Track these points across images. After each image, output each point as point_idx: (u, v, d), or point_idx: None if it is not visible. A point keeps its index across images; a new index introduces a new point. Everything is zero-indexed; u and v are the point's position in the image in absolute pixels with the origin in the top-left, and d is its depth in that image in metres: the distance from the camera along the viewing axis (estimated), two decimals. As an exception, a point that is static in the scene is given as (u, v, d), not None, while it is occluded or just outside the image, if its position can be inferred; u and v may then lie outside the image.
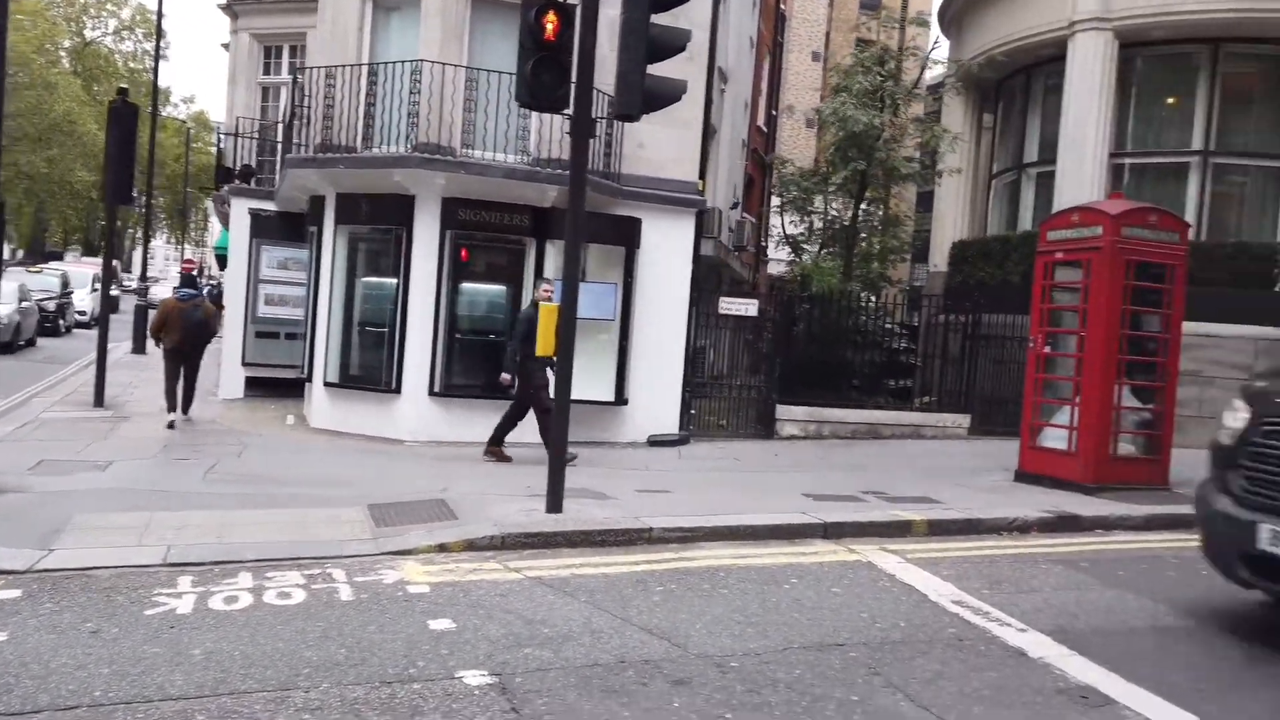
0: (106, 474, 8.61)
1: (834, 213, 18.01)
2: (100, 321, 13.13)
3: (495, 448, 10.55)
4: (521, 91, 7.20)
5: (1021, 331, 11.81)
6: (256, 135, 16.28)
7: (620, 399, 12.18)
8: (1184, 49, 14.35)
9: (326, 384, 12.15)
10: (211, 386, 15.31)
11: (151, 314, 16.34)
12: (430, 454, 10.94)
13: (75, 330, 27.87)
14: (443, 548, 6.40)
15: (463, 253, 11.88)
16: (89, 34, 56.46)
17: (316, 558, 6.07)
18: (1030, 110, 16.13)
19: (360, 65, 11.49)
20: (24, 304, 21.00)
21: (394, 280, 11.84)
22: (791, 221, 17.97)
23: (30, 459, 9.04)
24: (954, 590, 5.98)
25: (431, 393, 11.65)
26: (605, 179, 12.00)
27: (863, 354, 13.58)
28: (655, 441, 12.27)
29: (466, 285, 12.04)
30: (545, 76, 7.05)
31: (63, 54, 54.07)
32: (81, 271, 31.29)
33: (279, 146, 15.68)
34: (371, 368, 12.09)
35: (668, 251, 12.61)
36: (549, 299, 10.11)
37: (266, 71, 17.20)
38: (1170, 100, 14.75)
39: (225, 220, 19.08)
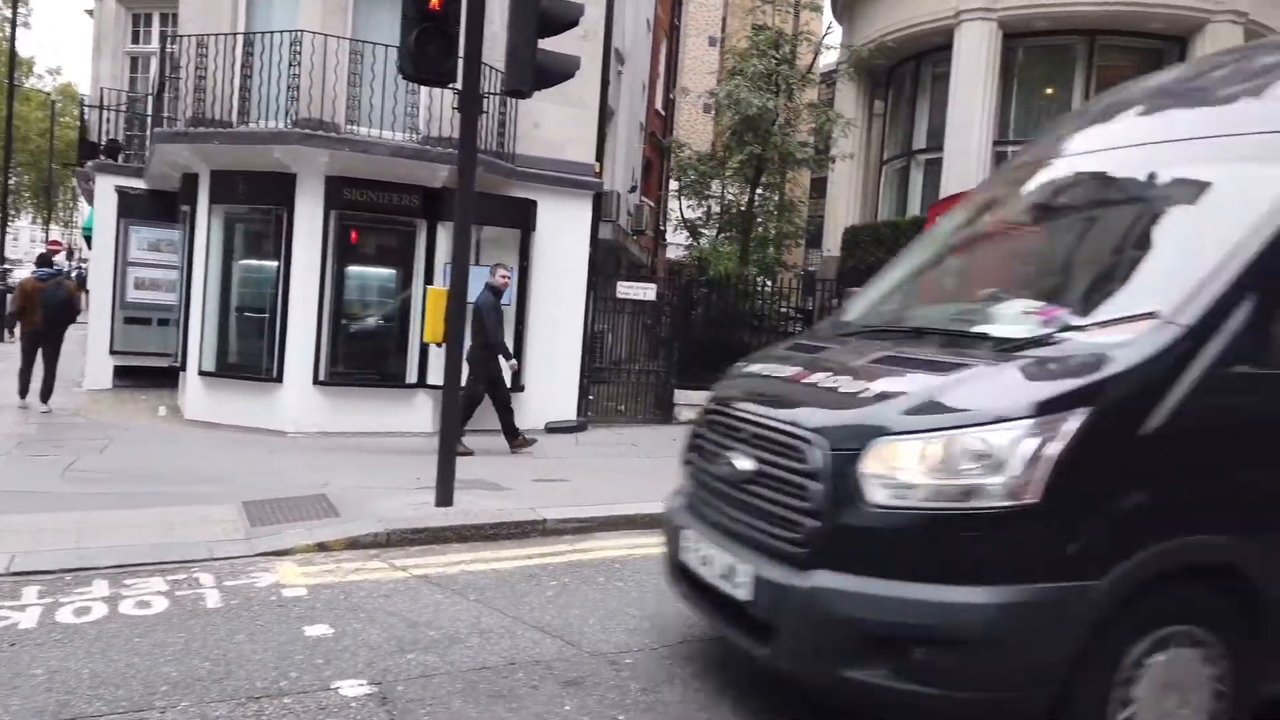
0: (-52, 474, 7.88)
1: (730, 197, 18.03)
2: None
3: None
4: (405, 63, 6.80)
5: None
6: (124, 108, 15.23)
7: (516, 385, 11.87)
8: (1063, 40, 14.84)
9: (202, 373, 11.45)
10: (76, 377, 14.32)
11: (9, 297, 15.36)
12: (314, 445, 10.42)
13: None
14: (322, 547, 6.03)
15: (351, 235, 11.34)
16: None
17: (182, 561, 5.62)
18: (919, 97, 16.45)
19: (236, 34, 10.79)
20: None
21: (274, 263, 11.22)
22: (689, 205, 17.90)
23: None
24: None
25: (316, 381, 11.11)
26: (499, 159, 11.64)
27: (759, 338, 13.60)
28: (553, 428, 12.02)
29: (353, 269, 11.50)
30: (430, 48, 6.67)
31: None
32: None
33: (148, 120, 14.71)
34: (251, 355, 11.45)
35: (565, 235, 12.34)
36: (506, 284, 10.05)
37: (135, 40, 16.11)
38: (1049, 90, 15.24)
39: (91, 199, 17.86)
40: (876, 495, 3.14)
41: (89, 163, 14.51)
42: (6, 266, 21.96)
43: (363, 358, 11.61)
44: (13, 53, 21.83)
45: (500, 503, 7.26)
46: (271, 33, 10.62)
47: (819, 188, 22.06)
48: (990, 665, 3.01)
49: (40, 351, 11.57)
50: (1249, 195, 3.30)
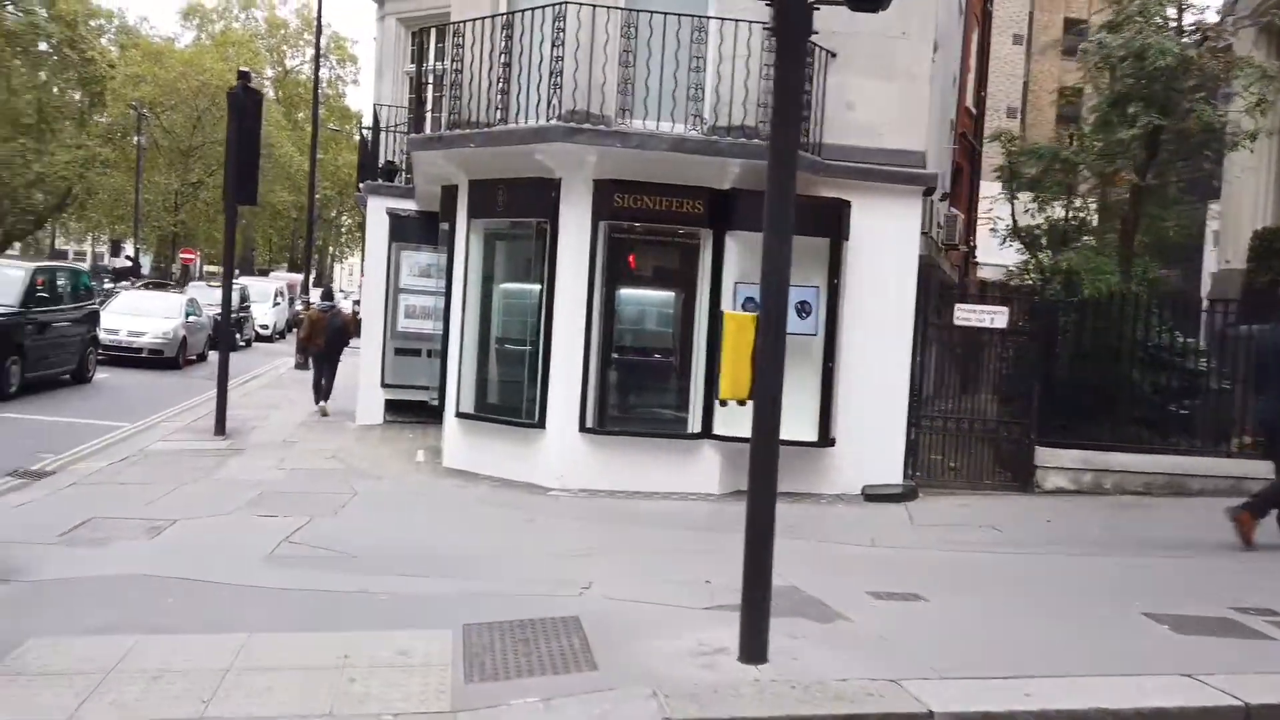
0: (151, 545, 6.34)
1: (1078, 202, 14.14)
2: (221, 346, 11.27)
3: (1247, 515, 7.24)
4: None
5: None
6: (402, 128, 14.20)
7: (825, 439, 9.03)
8: None
9: (459, 414, 9.66)
10: (348, 411, 13.33)
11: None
12: (580, 510, 8.22)
13: (255, 345, 27.35)
14: (560, 747, 3.55)
15: (623, 250, 9.11)
16: (289, 63, 58.49)
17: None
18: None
19: (495, 17, 8.93)
20: (192, 319, 20.07)
21: (536, 287, 9.23)
22: (1028, 210, 14.19)
23: (81, 513, 6.93)
24: None
25: (583, 428, 8.92)
26: (802, 150, 8.92)
27: (1152, 376, 9.80)
28: (873, 495, 9.05)
29: (625, 291, 9.25)
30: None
31: (266, 82, 56.06)
32: (264, 286, 31.07)
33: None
34: (512, 395, 9.52)
35: (884, 243, 9.36)
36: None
37: (413, 60, 15.13)
38: None
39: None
40: None
41: (361, 185, 13.55)
42: (309, 300, 22.34)
43: (636, 400, 9.33)
44: (315, 96, 22.22)
45: (839, 657, 4.46)
46: (532, 9, 8.63)
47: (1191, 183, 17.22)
48: None
49: (323, 366, 13.75)
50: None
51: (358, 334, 14.19)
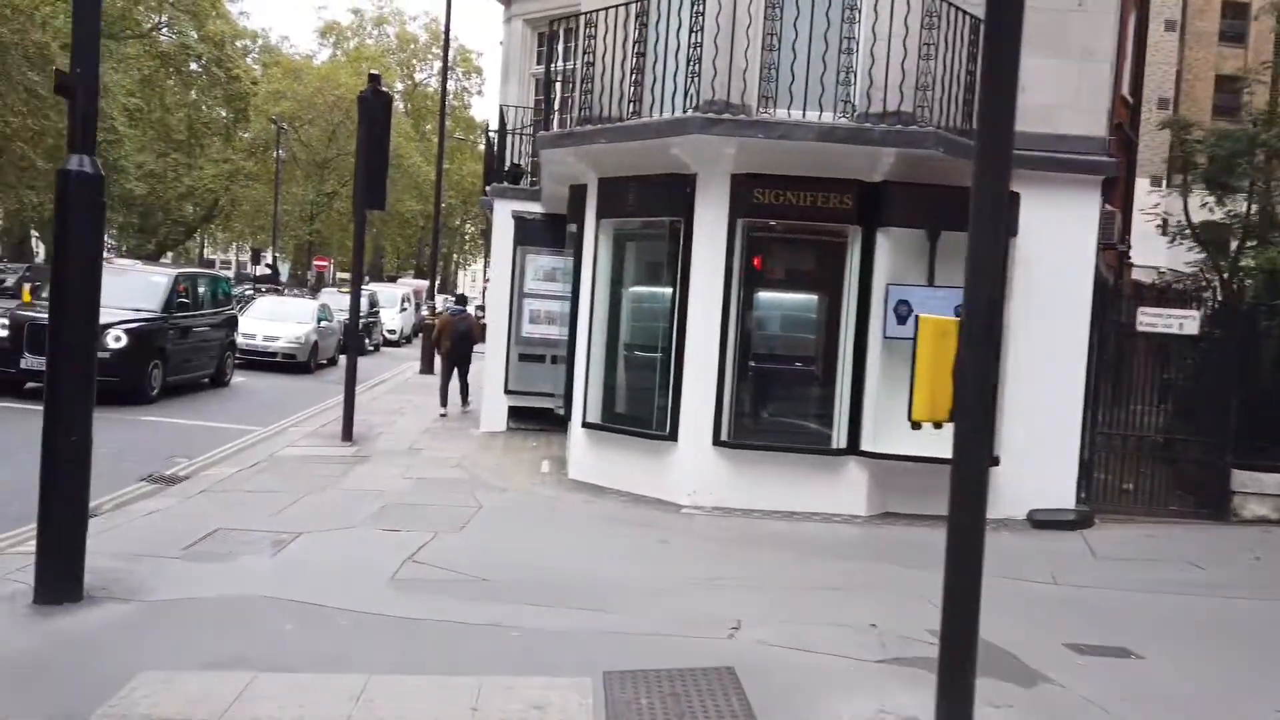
0: (274, 561, 6.02)
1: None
2: (349, 353, 11.12)
3: None
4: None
5: None
6: (528, 130, 13.89)
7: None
8: None
9: (586, 424, 9.16)
10: (472, 418, 13.08)
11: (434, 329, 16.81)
12: (715, 530, 7.56)
13: (383, 349, 27.86)
14: None
15: (762, 250, 8.41)
16: (417, 76, 60.15)
17: None
18: None
19: (629, 4, 8.38)
20: (324, 324, 20.44)
21: (668, 289, 8.63)
22: (1205, 205, 12.73)
23: (207, 524, 6.72)
24: None
25: (717, 441, 8.27)
26: (961, 135, 8.04)
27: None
28: (1041, 521, 8.06)
29: (764, 294, 8.55)
30: None
31: (396, 96, 57.78)
32: (391, 292, 31.70)
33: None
34: (642, 405, 8.94)
35: (1057, 240, 8.38)
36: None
37: (539, 61, 14.84)
38: None
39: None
40: None
41: (487, 188, 13.29)
42: (433, 304, 22.51)
43: (775, 412, 8.61)
44: (443, 102, 22.37)
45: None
46: (669, -8, 8.05)
47: None
48: None
49: (455, 370, 14.18)
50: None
51: (482, 339, 14.18)
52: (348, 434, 10.98)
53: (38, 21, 33.84)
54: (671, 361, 8.49)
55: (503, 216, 12.59)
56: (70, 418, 4.85)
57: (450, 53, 57.26)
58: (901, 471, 8.31)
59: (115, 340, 12.33)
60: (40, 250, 49.86)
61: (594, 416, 9.15)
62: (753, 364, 8.39)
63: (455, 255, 76.78)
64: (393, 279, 57.59)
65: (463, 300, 16.39)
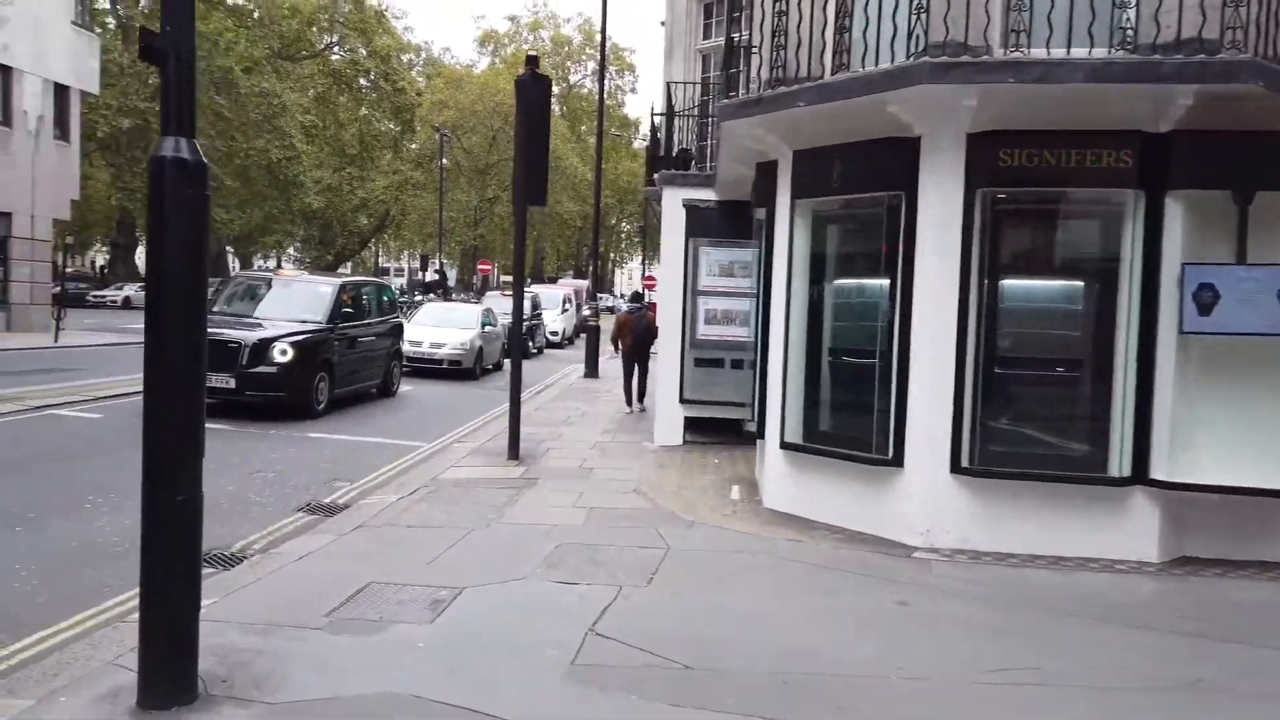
0: (432, 629, 4.87)
1: None
2: (513, 366, 10.07)
3: None
4: None
5: None
6: (695, 111, 12.51)
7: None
8: None
9: (785, 445, 7.66)
10: (644, 429, 11.85)
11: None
12: (965, 584, 5.90)
13: (546, 351, 27.29)
14: None
15: (1008, 227, 6.66)
16: (572, 78, 60.13)
17: None
18: None
19: (828, -65, 6.80)
20: (488, 328, 19.86)
21: (884, 281, 7.00)
22: None
23: (360, 576, 5.69)
24: None
25: (957, 468, 6.58)
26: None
27: None
28: None
29: (1012, 282, 6.77)
30: None
31: (552, 99, 58.02)
32: (553, 293, 31.19)
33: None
34: (854, 423, 7.36)
35: None
36: None
37: (707, 35, 13.42)
38: None
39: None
40: None
41: (655, 175, 11.98)
42: (595, 304, 21.58)
43: (1029, 431, 6.81)
44: (601, 100, 21.37)
45: None
46: (886, -88, 6.41)
47: None
48: None
49: (635, 366, 14.32)
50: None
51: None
52: (514, 451, 9.95)
53: (221, 47, 35.53)
54: (892, 369, 6.87)
55: (672, 206, 11.25)
56: (174, 472, 3.81)
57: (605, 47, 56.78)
58: (1206, 506, 6.38)
59: (281, 354, 11.85)
60: (235, 264, 53.03)
61: (794, 435, 7.63)
62: (1000, 371, 6.64)
63: (612, 254, 76.75)
64: (553, 279, 57.88)
65: (638, 297, 16.51)
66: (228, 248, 54.45)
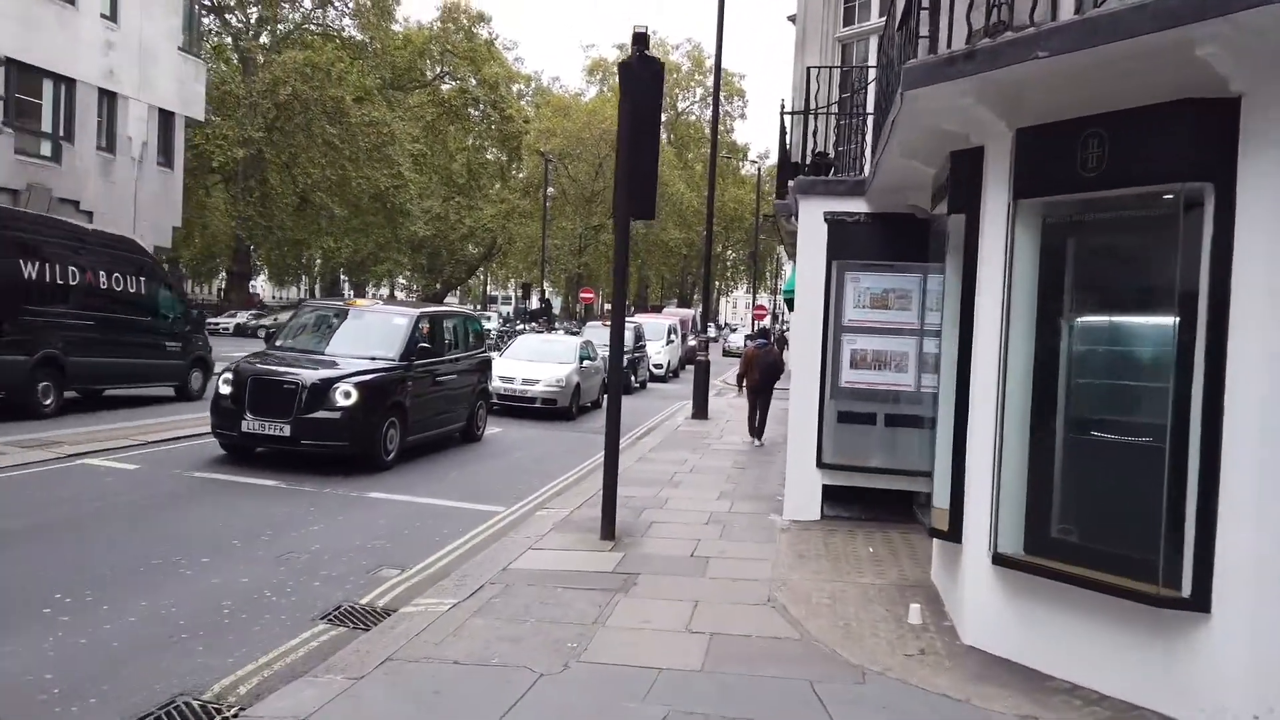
0: None
1: None
2: (610, 407, 7.90)
3: None
4: None
5: None
6: (834, 108, 10.16)
7: None
8: None
9: (999, 558, 5.14)
10: (769, 497, 9.48)
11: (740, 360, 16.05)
12: None
13: (650, 386, 25.13)
14: None
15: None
16: (679, 105, 58.45)
17: None
18: None
19: None
20: (586, 363, 17.81)
21: (1166, 320, 4.46)
22: None
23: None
24: None
25: (1315, 623, 3.97)
26: None
27: None
28: None
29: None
30: None
31: (663, 87, 56.34)
32: (657, 323, 29.07)
33: (867, 120, 9.35)
34: (1113, 531, 4.80)
35: None
36: None
37: (849, 21, 11.08)
38: None
39: (792, 248, 13.40)
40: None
41: (789, 183, 9.63)
42: (707, 336, 19.31)
43: None
44: (715, 117, 19.18)
45: None
46: None
47: None
48: None
49: (757, 402, 13.89)
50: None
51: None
52: (608, 529, 7.73)
53: (333, 76, 35.15)
54: (1189, 456, 4.31)
55: (810, 221, 8.88)
56: None
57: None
58: None
59: (345, 397, 9.98)
60: (349, 293, 53.08)
61: (1012, 544, 5.12)
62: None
63: (717, 283, 74.58)
64: (657, 309, 55.90)
65: (765, 333, 16.43)
66: (343, 275, 54.70)
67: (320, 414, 9.86)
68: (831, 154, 10.00)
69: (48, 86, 19.56)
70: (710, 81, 58.18)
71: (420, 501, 9.12)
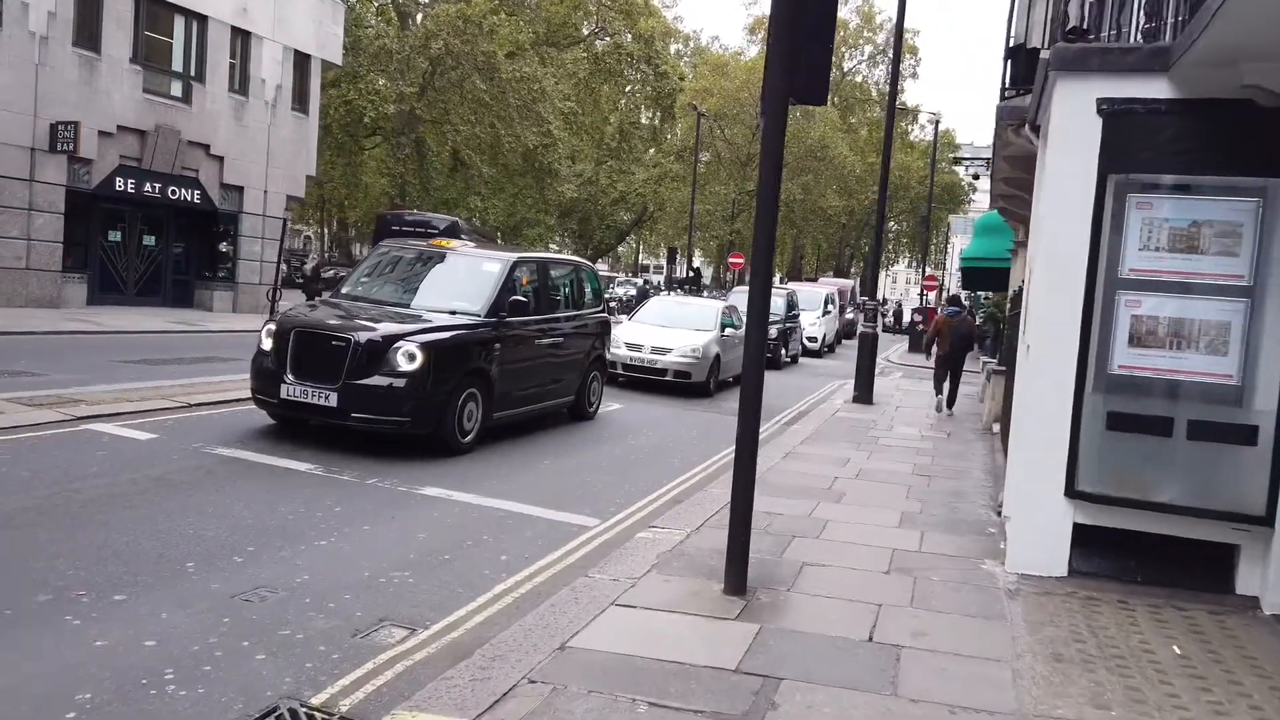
0: None
1: None
2: (743, 397, 5.05)
3: None
4: None
5: None
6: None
7: None
8: None
9: None
10: (974, 523, 6.36)
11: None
12: None
13: (802, 361, 21.91)
14: None
15: None
16: (845, 65, 53.69)
17: None
18: None
19: None
20: (729, 332, 14.89)
21: None
22: None
23: None
24: None
25: None
26: None
27: None
28: None
29: None
30: None
31: (822, 86, 51.99)
32: (813, 292, 25.65)
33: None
34: None
35: None
36: None
37: None
38: None
39: (1015, 171, 9.83)
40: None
41: (1047, 55, 6.22)
42: (883, 299, 15.95)
43: None
44: (892, 100, 15.56)
45: None
46: None
47: None
48: None
49: (949, 373, 13.33)
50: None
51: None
52: (736, 577, 4.91)
53: (485, 30, 33.35)
54: None
55: (1072, 112, 5.55)
56: None
57: (883, 38, 49.90)
58: None
59: (407, 360, 7.56)
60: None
61: None
62: None
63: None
64: (812, 279, 51.85)
65: (956, 300, 15.29)
66: (498, 239, 53.85)
67: (375, 380, 7.48)
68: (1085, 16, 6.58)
69: (179, 23, 18.37)
70: (880, 39, 53.10)
71: (486, 505, 6.57)
